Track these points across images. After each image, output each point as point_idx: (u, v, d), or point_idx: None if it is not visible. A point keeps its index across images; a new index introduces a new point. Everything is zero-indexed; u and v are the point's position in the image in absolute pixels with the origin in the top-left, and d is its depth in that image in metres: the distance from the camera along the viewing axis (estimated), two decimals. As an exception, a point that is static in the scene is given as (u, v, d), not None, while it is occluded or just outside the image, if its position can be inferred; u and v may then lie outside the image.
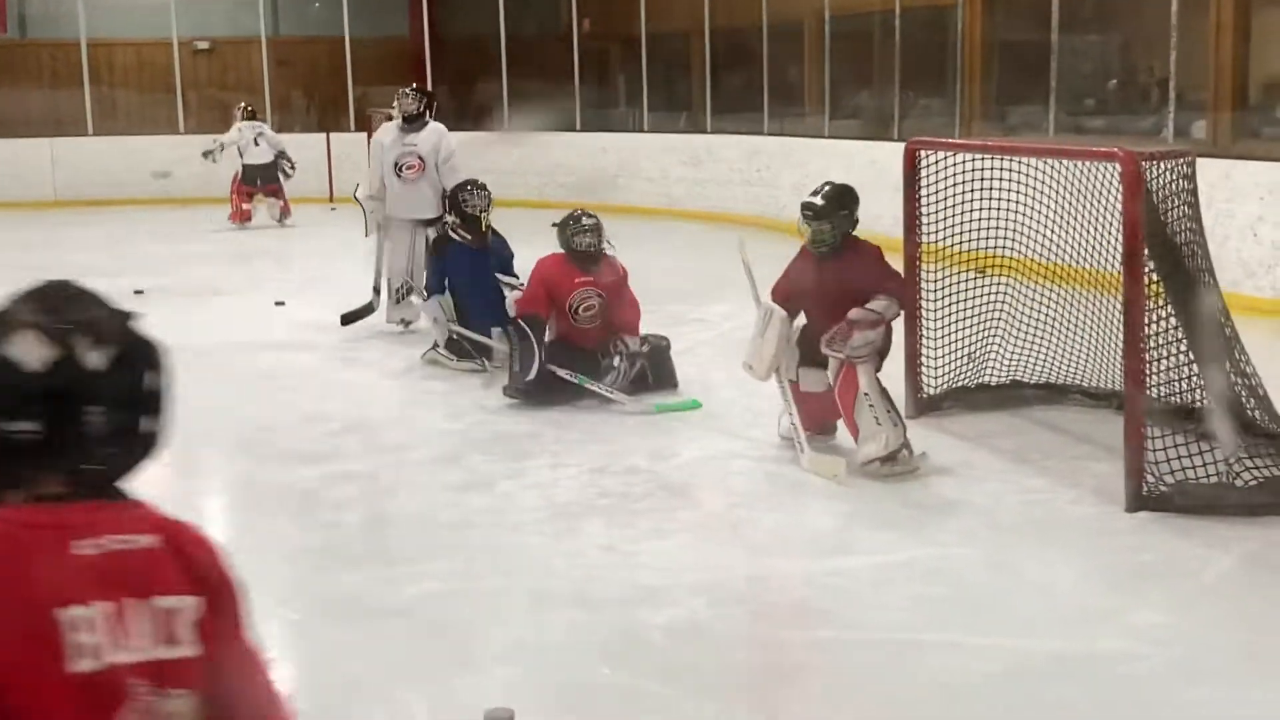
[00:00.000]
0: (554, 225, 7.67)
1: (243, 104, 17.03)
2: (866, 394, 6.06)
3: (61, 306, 1.66)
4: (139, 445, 1.70)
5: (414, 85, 9.92)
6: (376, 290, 9.72)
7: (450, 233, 8.55)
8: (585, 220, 7.67)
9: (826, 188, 6.43)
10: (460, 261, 8.40)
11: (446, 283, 8.47)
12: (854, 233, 6.43)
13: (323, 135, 19.54)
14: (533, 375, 7.34)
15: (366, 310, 9.69)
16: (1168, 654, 4.37)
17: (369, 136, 17.22)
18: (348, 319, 9.66)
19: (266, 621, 4.81)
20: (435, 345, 8.46)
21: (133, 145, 19.49)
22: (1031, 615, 4.71)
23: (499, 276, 8.35)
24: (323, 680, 4.33)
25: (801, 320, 6.56)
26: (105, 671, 1.56)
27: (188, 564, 1.67)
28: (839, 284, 6.28)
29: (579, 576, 5.12)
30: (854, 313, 6.12)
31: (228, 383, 8.41)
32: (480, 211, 8.45)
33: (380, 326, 9.67)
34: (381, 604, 4.87)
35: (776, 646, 4.56)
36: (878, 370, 6.25)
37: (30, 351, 1.61)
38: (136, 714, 1.58)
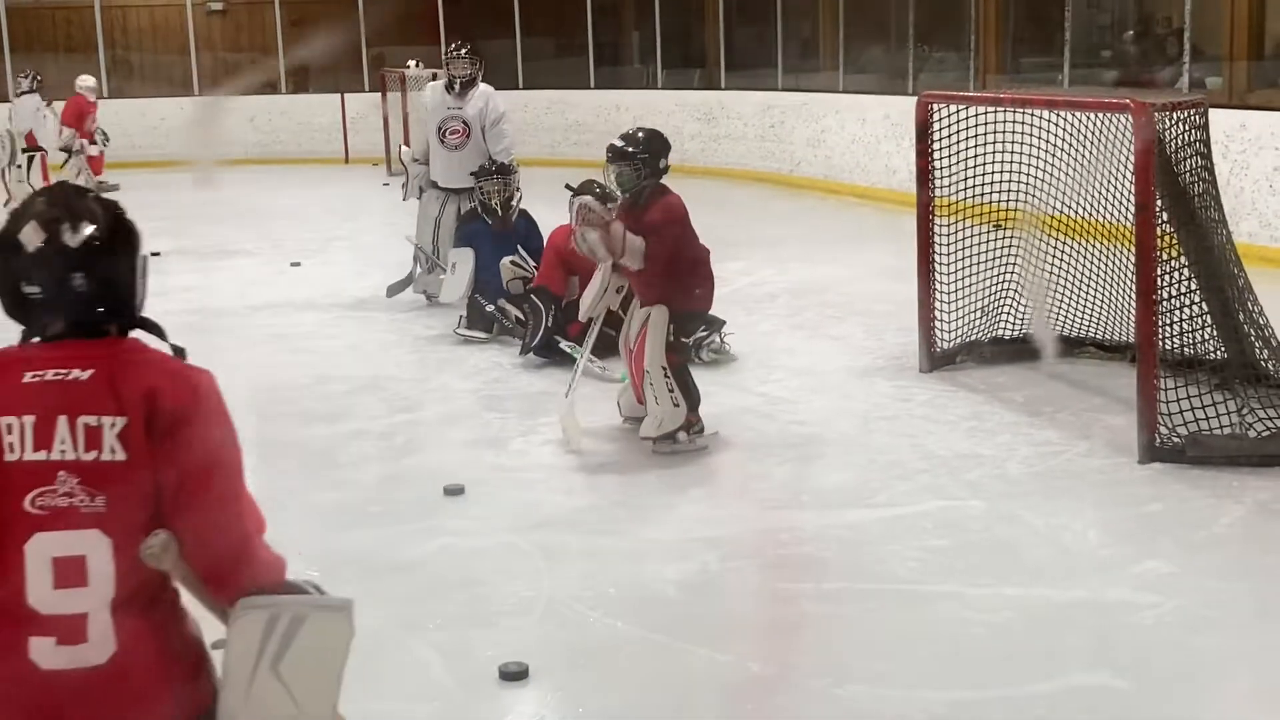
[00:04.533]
0: (567, 188, 7.62)
1: (33, 73, 15.50)
2: (648, 371, 5.89)
3: (57, 203, 2.26)
4: (112, 300, 2.27)
5: (465, 46, 9.22)
6: (416, 260, 9.41)
7: (479, 210, 8.53)
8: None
9: (637, 131, 6.18)
10: (481, 240, 8.38)
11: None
12: (664, 182, 6.09)
13: (337, 96, 19.51)
14: (536, 343, 7.60)
15: (408, 280, 9.38)
16: (1175, 603, 4.39)
17: (383, 96, 17.25)
18: (392, 290, 9.38)
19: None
20: (461, 320, 8.39)
21: (147, 108, 19.50)
22: (1039, 565, 4.75)
23: (512, 259, 8.18)
24: (338, 635, 4.38)
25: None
26: (21, 463, 2.16)
27: (114, 391, 2.19)
28: (636, 231, 5.89)
29: (592, 531, 5.17)
30: (613, 224, 5.83)
31: (243, 344, 8.46)
32: (492, 200, 8.42)
33: (405, 295, 9.48)
34: (396, 560, 4.92)
35: (787, 598, 4.59)
36: (677, 351, 6.01)
37: (30, 236, 2.22)
38: (56, 497, 2.15)
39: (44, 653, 2.16)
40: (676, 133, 16.68)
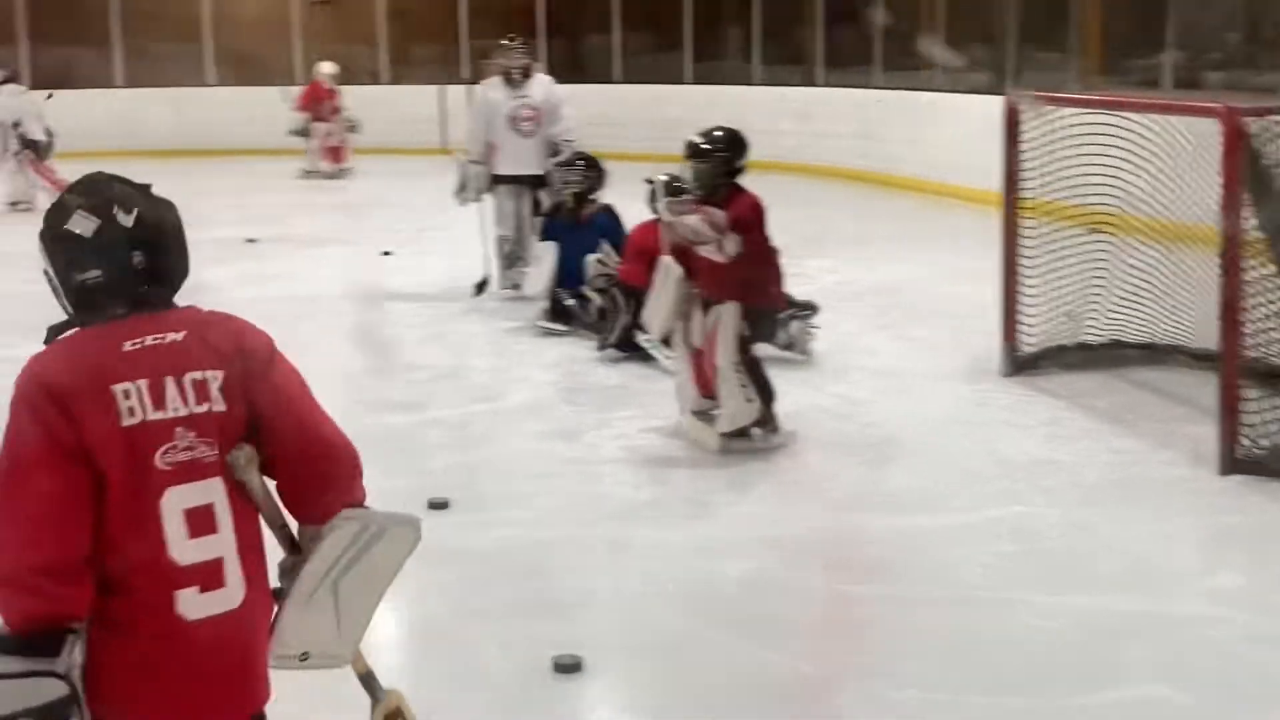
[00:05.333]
0: (646, 181, 7.59)
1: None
2: (720, 368, 5.87)
3: (98, 189, 2.36)
4: (169, 273, 2.37)
5: (519, 39, 9.64)
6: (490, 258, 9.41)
7: (558, 204, 8.58)
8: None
9: (716, 129, 6.18)
10: (563, 233, 8.44)
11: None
12: (739, 182, 6.04)
13: (435, 88, 19.65)
14: (615, 338, 7.57)
15: (486, 284, 9.35)
16: (1246, 618, 4.30)
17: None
18: (479, 290, 9.32)
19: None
20: (543, 312, 8.40)
21: (252, 96, 19.77)
22: (1109, 575, 4.67)
23: (598, 257, 8.14)
24: (400, 620, 4.43)
25: None
26: (145, 424, 2.25)
27: (210, 347, 2.34)
28: None
29: (657, 527, 5.16)
30: (707, 208, 5.81)
31: (330, 331, 8.57)
32: (567, 190, 8.45)
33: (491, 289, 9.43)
34: (462, 548, 4.93)
35: (846, 601, 4.55)
36: (745, 346, 5.95)
37: (82, 224, 2.30)
38: (178, 452, 2.27)
39: (190, 603, 2.26)
40: (772, 129, 16.59)
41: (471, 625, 4.31)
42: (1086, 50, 13.83)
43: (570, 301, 8.14)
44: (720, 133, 6.14)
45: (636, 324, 7.46)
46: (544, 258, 8.39)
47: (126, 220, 2.32)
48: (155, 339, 2.30)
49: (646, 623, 4.34)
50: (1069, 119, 7.18)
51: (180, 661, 2.27)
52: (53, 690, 2.13)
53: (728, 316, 5.89)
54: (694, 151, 6.05)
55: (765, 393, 5.99)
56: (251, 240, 12.02)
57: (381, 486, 5.58)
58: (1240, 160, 5.49)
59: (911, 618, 4.37)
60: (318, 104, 16.92)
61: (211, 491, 2.29)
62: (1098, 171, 7.26)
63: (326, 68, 17.12)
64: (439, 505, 5.26)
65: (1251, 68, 12.98)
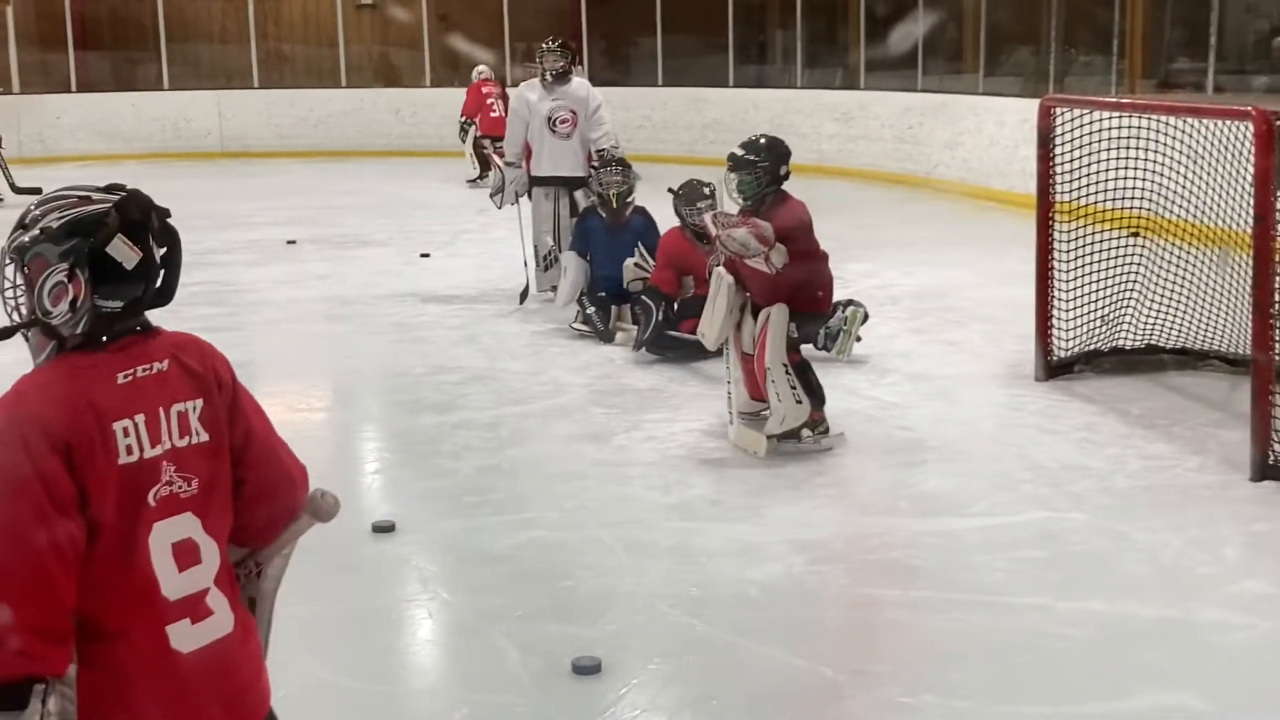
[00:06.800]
0: (670, 191, 7.62)
1: None
2: (769, 369, 5.86)
3: (137, 214, 2.20)
4: (165, 300, 2.28)
5: (558, 40, 9.64)
6: (527, 263, 9.38)
7: (596, 207, 8.58)
8: (700, 197, 7.63)
9: (758, 138, 6.17)
10: (596, 236, 8.44)
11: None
12: (784, 188, 6.06)
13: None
14: (648, 338, 7.60)
15: (527, 292, 9.30)
16: (1270, 625, 4.27)
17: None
18: (523, 297, 9.28)
19: (374, 561, 4.94)
20: (579, 314, 8.41)
21: (296, 99, 19.92)
22: (1133, 581, 4.64)
23: (635, 261, 8.16)
24: (419, 619, 4.46)
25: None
26: (141, 462, 2.18)
27: (190, 375, 2.27)
28: None
29: (682, 530, 5.17)
30: (754, 220, 5.82)
31: (366, 332, 8.63)
32: (608, 190, 8.46)
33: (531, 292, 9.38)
34: (485, 550, 4.97)
35: (869, 604, 4.55)
36: (794, 348, 5.99)
37: (125, 254, 2.18)
38: (163, 487, 2.19)
39: (183, 636, 2.21)
40: (814, 132, 16.65)
41: (493, 625, 4.33)
42: (1130, 54, 13.74)
43: (591, 310, 8.14)
44: (763, 141, 6.14)
45: (668, 324, 7.48)
46: (570, 269, 8.41)
47: (157, 254, 2.23)
48: (145, 369, 2.22)
49: (667, 625, 4.35)
50: (1104, 122, 7.15)
51: (184, 694, 2.21)
52: None
53: (776, 318, 5.90)
54: (737, 163, 6.04)
55: (814, 394, 6.00)
56: (291, 242, 12.11)
57: (412, 489, 5.72)
58: (1271, 162, 5.44)
59: (934, 622, 4.37)
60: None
61: (188, 526, 2.22)
62: (1134, 175, 7.23)
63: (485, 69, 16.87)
64: (384, 528, 5.11)
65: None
